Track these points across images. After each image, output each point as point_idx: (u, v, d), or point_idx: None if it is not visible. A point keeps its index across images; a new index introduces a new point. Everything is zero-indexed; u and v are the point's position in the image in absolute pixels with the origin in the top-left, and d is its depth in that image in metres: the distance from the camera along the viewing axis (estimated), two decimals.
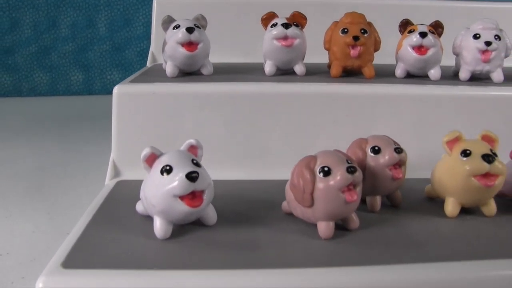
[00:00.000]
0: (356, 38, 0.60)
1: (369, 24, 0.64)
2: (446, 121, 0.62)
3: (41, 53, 1.51)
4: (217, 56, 0.69)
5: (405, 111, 0.61)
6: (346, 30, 0.61)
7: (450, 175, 0.48)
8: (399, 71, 0.65)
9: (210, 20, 0.67)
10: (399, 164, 0.49)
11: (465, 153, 0.47)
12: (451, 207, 0.49)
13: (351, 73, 0.66)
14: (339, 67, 0.62)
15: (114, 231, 0.45)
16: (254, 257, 0.41)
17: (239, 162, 0.59)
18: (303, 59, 0.65)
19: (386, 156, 0.48)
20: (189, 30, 0.59)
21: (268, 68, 0.64)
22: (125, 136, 0.60)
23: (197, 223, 0.46)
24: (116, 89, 0.60)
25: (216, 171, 0.50)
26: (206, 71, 0.64)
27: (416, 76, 0.66)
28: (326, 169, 0.42)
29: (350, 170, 0.42)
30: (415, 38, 0.61)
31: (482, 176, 0.46)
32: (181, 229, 0.45)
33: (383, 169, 0.48)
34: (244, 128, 0.60)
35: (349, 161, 0.44)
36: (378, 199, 0.50)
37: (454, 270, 0.40)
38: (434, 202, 0.53)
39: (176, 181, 0.41)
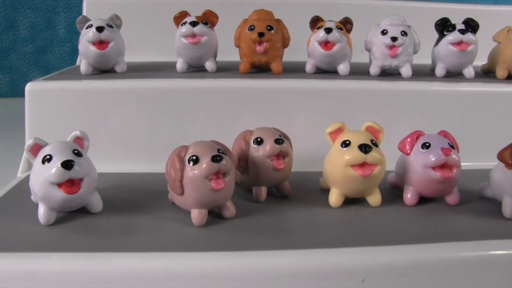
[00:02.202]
0: (261, 34, 0.63)
1: (278, 21, 0.67)
2: (353, 114, 0.64)
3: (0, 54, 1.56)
4: (138, 55, 0.74)
5: (310, 105, 0.64)
6: (252, 27, 0.64)
7: (332, 165, 0.51)
8: (309, 67, 0.68)
9: (133, 19, 0.71)
10: (282, 155, 0.51)
11: (345, 144, 0.50)
12: (334, 197, 0.52)
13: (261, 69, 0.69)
14: (247, 63, 0.66)
15: (6, 217, 0.49)
16: (128, 241, 0.44)
17: (145, 155, 0.62)
18: (214, 56, 0.68)
19: (267, 147, 0.51)
20: (99, 29, 0.63)
21: (179, 65, 0.67)
22: (37, 132, 0.63)
23: (83, 211, 0.50)
24: (28, 86, 0.64)
25: (120, 164, 0.56)
26: (119, 68, 0.67)
27: (326, 72, 0.69)
28: (194, 157, 0.45)
29: (216, 159, 0.45)
30: (321, 34, 0.64)
31: (359, 166, 0.49)
32: (68, 216, 0.49)
33: (265, 159, 0.51)
34: (151, 123, 0.63)
35: (220, 150, 0.46)
36: (263, 190, 0.52)
37: (317, 256, 0.42)
38: (326, 194, 0.54)
39: (53, 169, 0.45)
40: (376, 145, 0.50)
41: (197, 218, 0.46)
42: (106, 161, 0.61)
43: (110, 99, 0.62)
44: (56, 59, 1.56)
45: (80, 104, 0.63)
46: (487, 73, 0.76)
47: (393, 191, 0.56)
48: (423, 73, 0.73)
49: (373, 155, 0.48)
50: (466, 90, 0.66)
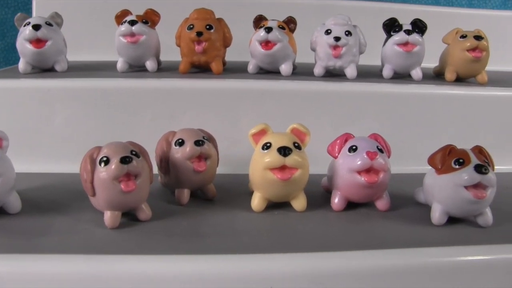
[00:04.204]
0: (199, 33, 0.63)
1: (219, 20, 0.67)
2: (294, 116, 0.63)
3: None
4: (84, 53, 0.75)
5: (250, 106, 0.63)
6: (191, 26, 0.64)
7: (253, 169, 0.51)
8: (251, 67, 0.68)
9: (79, 17, 0.72)
10: (204, 157, 0.51)
11: (266, 146, 0.49)
12: (256, 201, 0.51)
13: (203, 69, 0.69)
14: (186, 63, 0.66)
15: None
16: (40, 242, 0.44)
17: (80, 156, 0.63)
18: (155, 55, 0.68)
19: (187, 149, 0.50)
20: (36, 27, 0.63)
21: (119, 64, 0.68)
22: None
23: (1, 211, 0.50)
24: None
25: (54, 164, 0.57)
26: (59, 67, 0.68)
27: (269, 72, 0.69)
28: (105, 159, 0.45)
29: (126, 160, 0.44)
30: (261, 33, 0.64)
31: (278, 170, 0.48)
32: None
33: (185, 161, 0.50)
34: (87, 123, 0.63)
35: (133, 152, 0.46)
36: (185, 192, 0.52)
37: (223, 262, 0.41)
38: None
39: None
40: (299, 147, 0.49)
41: (108, 220, 0.46)
42: (40, 161, 0.61)
43: (46, 98, 0.62)
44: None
45: (16, 103, 0.63)
46: (438, 75, 0.75)
47: (326, 196, 0.55)
48: (372, 74, 0.73)
49: (293, 158, 0.48)
50: (410, 92, 0.66)
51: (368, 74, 0.71)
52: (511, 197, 0.58)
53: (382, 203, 0.52)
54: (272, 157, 0.48)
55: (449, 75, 0.69)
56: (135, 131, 0.62)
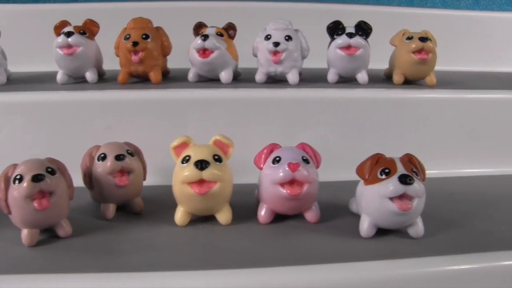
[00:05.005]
0: (135, 43, 0.62)
1: (157, 28, 0.66)
2: (237, 125, 0.62)
3: None
4: (27, 64, 0.75)
5: (188, 115, 0.63)
6: (128, 36, 0.64)
7: (174, 182, 0.50)
8: (191, 75, 0.68)
9: (21, 28, 0.73)
10: (126, 171, 0.51)
11: (185, 160, 0.48)
12: (179, 215, 0.51)
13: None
14: (125, 73, 0.65)
15: None
16: None
17: None
18: (95, 66, 0.68)
19: (107, 163, 0.50)
20: None
21: (59, 76, 0.68)
22: None
23: None
24: None
25: None
26: None
27: (210, 80, 0.68)
28: (18, 177, 0.45)
29: (37, 178, 0.44)
30: (198, 41, 0.63)
31: (196, 184, 0.47)
32: None
33: (106, 176, 0.50)
34: (23, 136, 0.62)
35: (49, 168, 0.46)
36: (111, 207, 0.52)
37: (134, 280, 0.40)
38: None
39: None
40: (219, 160, 0.48)
41: (25, 238, 0.46)
42: None
43: None
44: None
45: None
46: (389, 78, 0.73)
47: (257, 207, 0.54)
48: (318, 79, 0.71)
49: (210, 171, 0.47)
50: (353, 97, 0.64)
51: (314, 79, 0.70)
52: (454, 204, 0.57)
53: (311, 215, 0.51)
54: (189, 171, 0.47)
55: (397, 77, 0.68)
56: (73, 144, 0.61)
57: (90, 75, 0.67)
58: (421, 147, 0.64)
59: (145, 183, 0.55)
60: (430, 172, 0.63)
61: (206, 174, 0.47)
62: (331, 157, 0.61)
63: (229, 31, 0.65)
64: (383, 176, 0.46)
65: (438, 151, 0.66)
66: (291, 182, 0.48)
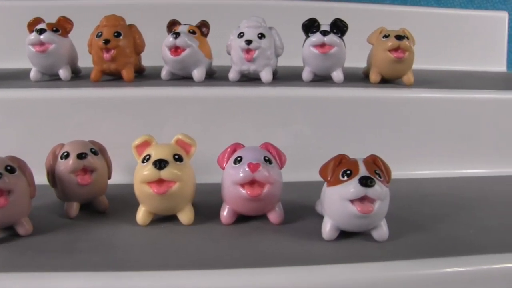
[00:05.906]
0: (106, 41, 0.62)
1: (130, 26, 0.66)
2: (210, 123, 0.63)
3: None
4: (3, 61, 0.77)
5: (160, 114, 0.63)
6: (100, 33, 0.64)
7: (134, 182, 0.50)
8: (164, 73, 0.68)
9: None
10: (89, 170, 0.51)
11: (145, 159, 0.48)
12: (140, 215, 0.51)
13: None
14: (97, 71, 0.66)
15: None
16: None
17: None
18: (68, 63, 0.68)
19: (69, 162, 0.51)
20: None
21: (32, 73, 0.68)
22: None
23: None
24: None
25: None
26: None
27: (183, 78, 0.68)
28: None
29: None
30: (170, 39, 0.63)
31: (155, 183, 0.47)
32: None
33: (69, 175, 0.51)
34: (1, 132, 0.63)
35: (8, 167, 0.45)
36: (74, 205, 0.53)
37: (88, 280, 0.40)
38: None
39: None
40: (180, 159, 0.48)
41: None
42: None
43: None
44: None
45: None
46: (367, 77, 0.72)
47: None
48: (294, 77, 0.71)
49: (169, 171, 0.47)
50: (327, 96, 0.64)
51: (289, 78, 0.70)
52: (426, 206, 0.56)
53: (274, 216, 0.51)
54: (148, 170, 0.47)
55: (374, 76, 0.68)
56: (45, 142, 0.59)
57: (63, 73, 0.67)
58: (396, 147, 0.64)
59: (113, 181, 0.56)
60: (405, 173, 0.63)
61: (165, 173, 0.47)
62: (305, 157, 0.61)
63: (202, 28, 0.65)
64: (345, 178, 0.45)
65: (414, 151, 0.66)
66: (252, 183, 0.48)
